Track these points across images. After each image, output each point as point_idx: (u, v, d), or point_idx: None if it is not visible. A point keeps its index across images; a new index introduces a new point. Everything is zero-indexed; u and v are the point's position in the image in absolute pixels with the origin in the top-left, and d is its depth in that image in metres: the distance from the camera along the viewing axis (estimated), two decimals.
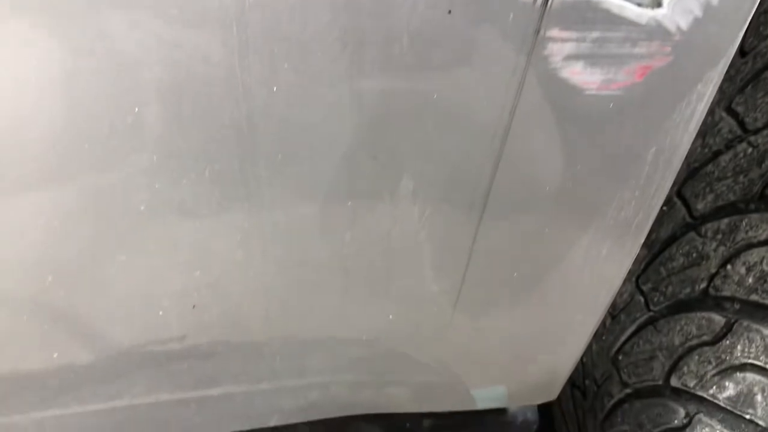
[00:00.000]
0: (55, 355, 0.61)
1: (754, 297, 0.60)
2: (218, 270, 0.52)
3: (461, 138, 0.46)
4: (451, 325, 0.59)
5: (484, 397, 0.68)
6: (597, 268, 0.58)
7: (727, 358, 0.62)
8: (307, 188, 0.47)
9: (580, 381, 0.84)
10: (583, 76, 0.44)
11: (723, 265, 0.63)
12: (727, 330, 0.62)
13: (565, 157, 0.47)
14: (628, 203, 0.51)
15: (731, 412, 0.61)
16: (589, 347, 0.81)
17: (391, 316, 0.58)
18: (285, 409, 0.70)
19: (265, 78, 0.42)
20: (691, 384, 0.65)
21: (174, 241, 0.49)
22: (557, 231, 0.53)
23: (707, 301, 0.64)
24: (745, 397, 0.60)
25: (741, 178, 0.63)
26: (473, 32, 0.41)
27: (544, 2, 0.40)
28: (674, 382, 0.67)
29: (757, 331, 0.60)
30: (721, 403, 0.62)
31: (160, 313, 0.54)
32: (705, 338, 0.64)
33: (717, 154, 0.67)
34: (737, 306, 0.62)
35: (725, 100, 0.68)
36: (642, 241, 0.57)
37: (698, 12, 0.42)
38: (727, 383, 0.62)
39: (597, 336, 0.80)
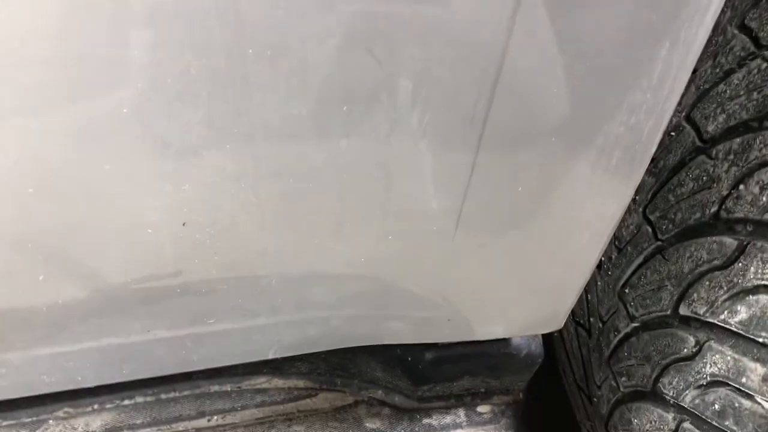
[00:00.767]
0: (46, 290, 0.58)
1: (767, 217, 0.58)
2: (208, 183, 0.49)
3: (460, 45, 0.43)
4: (453, 248, 0.57)
5: (486, 327, 0.66)
6: (599, 193, 0.55)
7: (740, 281, 0.59)
8: (299, 88, 0.44)
9: (584, 319, 0.82)
10: None
11: (735, 186, 0.61)
12: (740, 253, 0.60)
13: (562, 81, 0.45)
14: (638, 108, 0.48)
15: (743, 336, 0.59)
16: (593, 284, 0.79)
17: (390, 237, 0.56)
18: (284, 342, 0.68)
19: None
20: (701, 311, 0.63)
21: (160, 151, 0.46)
22: (560, 147, 0.51)
23: (718, 224, 0.62)
24: (759, 320, 0.58)
25: (755, 95, 0.61)
26: None
27: None
28: (683, 310, 0.65)
29: None
30: (733, 328, 0.60)
31: (149, 231, 0.51)
32: (716, 263, 0.62)
33: (729, 73, 0.64)
34: (750, 227, 0.59)
35: (738, 17, 0.65)
36: (645, 167, 0.55)
37: None
38: (738, 307, 0.60)
39: (602, 271, 0.78)
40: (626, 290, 0.73)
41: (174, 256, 0.58)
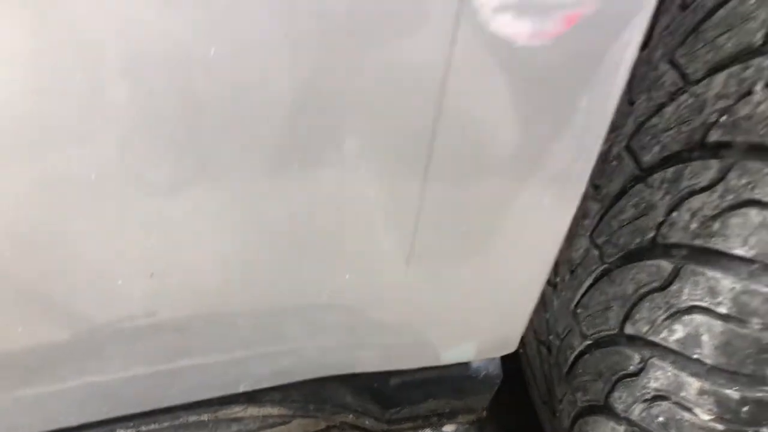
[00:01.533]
0: (24, 333, 0.61)
1: (698, 241, 0.62)
2: (172, 238, 0.53)
3: (399, 92, 0.47)
4: (407, 279, 0.61)
5: (447, 352, 0.70)
6: (542, 217, 0.60)
7: (675, 302, 0.64)
8: (252, 151, 0.48)
9: (545, 337, 0.87)
10: (513, 28, 0.45)
11: (669, 212, 0.65)
12: (675, 275, 0.64)
13: (502, 109, 0.49)
14: (566, 152, 0.53)
15: (681, 354, 0.63)
16: (551, 303, 0.84)
17: (348, 275, 0.59)
18: (258, 374, 0.72)
19: (202, 44, 0.43)
20: (644, 330, 0.67)
21: (126, 209, 0.50)
22: (500, 182, 0.55)
23: (656, 249, 0.67)
24: (693, 339, 0.62)
25: (684, 127, 0.65)
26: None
27: None
28: (628, 329, 0.69)
29: (702, 273, 0.62)
30: (671, 346, 0.64)
31: (119, 282, 0.55)
32: (655, 285, 0.66)
33: (661, 106, 0.69)
34: (683, 252, 0.64)
35: (668, 53, 0.70)
36: (582, 189, 0.59)
37: None
38: (675, 326, 0.64)
39: (557, 291, 0.82)
40: (578, 310, 0.77)
41: (147, 299, 0.61)
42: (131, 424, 0.84)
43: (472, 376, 0.75)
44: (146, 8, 0.40)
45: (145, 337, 0.66)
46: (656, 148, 0.68)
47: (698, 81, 0.65)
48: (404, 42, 0.45)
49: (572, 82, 0.49)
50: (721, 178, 0.61)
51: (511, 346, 0.70)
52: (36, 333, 0.61)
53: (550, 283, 0.83)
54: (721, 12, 0.65)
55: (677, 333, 0.64)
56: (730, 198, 0.60)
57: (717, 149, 0.62)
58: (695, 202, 0.63)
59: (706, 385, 0.63)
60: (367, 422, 0.81)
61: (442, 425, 0.83)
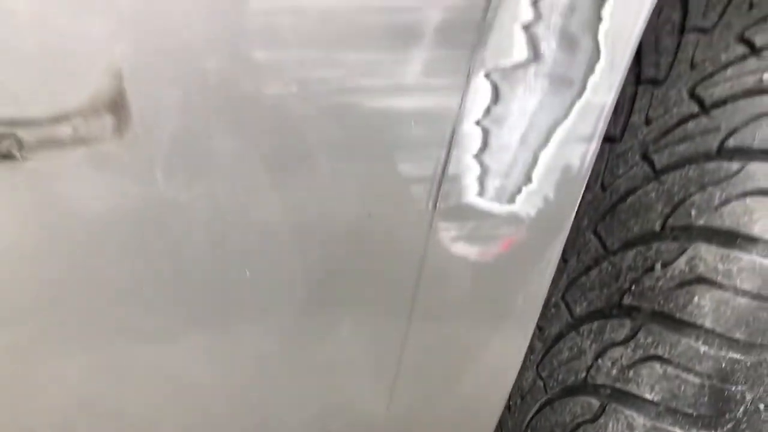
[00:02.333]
0: None
1: (618, 385, 0.78)
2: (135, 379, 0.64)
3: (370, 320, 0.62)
4: (386, 426, 0.75)
5: None
6: (501, 355, 0.74)
7: None
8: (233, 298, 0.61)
9: None
10: (468, 249, 0.61)
11: (596, 358, 0.81)
12: (602, 411, 0.79)
13: (465, 311, 0.65)
14: (518, 308, 0.68)
15: None
16: (506, 423, 0.98)
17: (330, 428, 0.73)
18: None
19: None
20: None
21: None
22: (472, 332, 0.70)
23: (587, 387, 0.82)
24: None
25: (605, 289, 0.82)
26: (383, 236, 0.58)
27: (434, 207, 0.58)
28: None
29: (622, 411, 0.77)
30: None
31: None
32: (587, 417, 0.81)
33: (588, 268, 0.86)
34: (608, 391, 0.80)
35: (592, 225, 0.88)
36: (531, 330, 0.74)
37: (540, 203, 0.60)
38: None
39: (512, 413, 0.97)
40: (528, 431, 0.92)
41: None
42: None
43: None
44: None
45: None
46: (584, 303, 0.85)
47: (615, 252, 0.83)
48: (377, 275, 0.61)
49: (510, 282, 0.65)
50: (633, 335, 0.78)
51: None
52: None
53: (506, 406, 0.98)
54: (631, 198, 0.83)
55: None
56: (640, 352, 0.77)
57: (630, 311, 0.79)
58: (615, 352, 0.79)
59: None
60: None
61: None
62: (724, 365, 0.72)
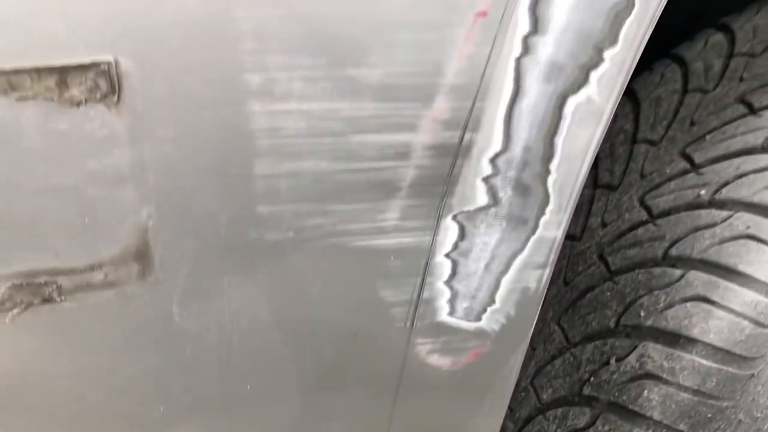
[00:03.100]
0: None
1: None
2: None
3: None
4: None
5: None
6: None
7: None
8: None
9: None
10: (441, 360, 0.70)
11: None
12: None
13: (440, 412, 0.74)
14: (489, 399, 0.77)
15: None
16: None
17: None
18: None
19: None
20: None
21: None
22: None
23: None
24: None
25: (567, 378, 0.91)
26: (367, 352, 0.67)
27: (411, 325, 0.67)
28: None
29: None
30: None
31: None
32: None
33: (553, 357, 0.95)
34: None
35: (556, 317, 0.97)
36: (503, 413, 0.82)
37: (502, 319, 0.70)
38: None
39: None
40: None
41: None
42: None
43: None
44: None
45: None
46: (550, 390, 0.94)
47: (576, 345, 0.92)
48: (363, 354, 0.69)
49: (477, 394, 0.74)
50: (592, 423, 0.87)
51: None
52: None
53: None
54: (590, 295, 0.93)
55: None
56: None
57: (589, 400, 0.88)
58: None
59: None
60: None
61: None
62: None
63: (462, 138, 0.61)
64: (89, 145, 0.53)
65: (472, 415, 0.74)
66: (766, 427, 0.78)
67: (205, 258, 0.59)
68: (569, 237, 1.00)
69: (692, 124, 0.96)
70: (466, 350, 0.70)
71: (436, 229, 0.64)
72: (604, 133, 0.64)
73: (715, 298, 0.78)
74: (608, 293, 0.90)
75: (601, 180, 1.01)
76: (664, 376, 0.80)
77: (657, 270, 0.86)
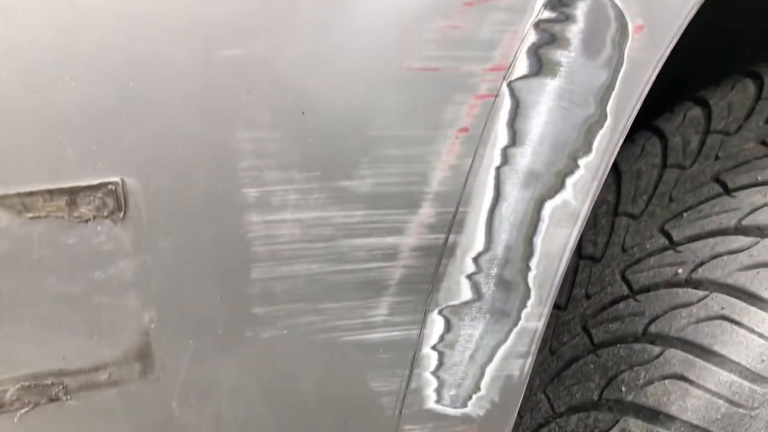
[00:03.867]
0: None
1: None
2: None
3: None
4: None
5: None
6: None
7: None
8: None
9: None
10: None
11: None
12: None
13: None
14: None
15: None
16: None
17: None
18: None
19: None
20: None
21: None
22: None
23: None
24: None
25: None
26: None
27: (400, 413, 0.71)
28: None
29: None
30: None
31: None
32: None
33: (540, 426, 0.98)
34: None
35: (542, 385, 1.00)
36: None
37: (487, 405, 0.73)
38: None
39: None
40: None
41: None
42: None
43: None
44: None
45: None
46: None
47: (561, 415, 0.95)
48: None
49: None
50: None
51: None
52: None
53: None
54: (574, 366, 0.97)
55: None
56: None
57: None
58: None
59: None
60: None
61: None
62: None
63: (447, 240, 0.65)
64: (96, 256, 0.57)
65: None
66: None
67: (203, 356, 0.62)
68: (555, 306, 1.03)
69: (671, 200, 1.00)
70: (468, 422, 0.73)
71: (423, 323, 0.67)
72: (581, 231, 0.68)
73: (691, 376, 0.81)
74: (591, 365, 0.94)
75: (585, 251, 1.05)
76: None
77: (637, 346, 0.89)
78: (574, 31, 0.61)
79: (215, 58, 0.55)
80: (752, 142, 0.99)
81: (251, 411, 0.65)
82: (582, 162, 0.65)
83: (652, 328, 0.88)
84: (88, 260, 0.57)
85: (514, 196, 0.65)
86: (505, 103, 0.62)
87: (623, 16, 0.62)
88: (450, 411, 0.72)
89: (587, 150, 0.65)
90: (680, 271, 0.90)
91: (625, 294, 0.95)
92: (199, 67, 0.55)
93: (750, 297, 0.82)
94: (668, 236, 0.95)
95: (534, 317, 0.70)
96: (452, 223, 0.64)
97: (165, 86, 0.55)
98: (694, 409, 0.81)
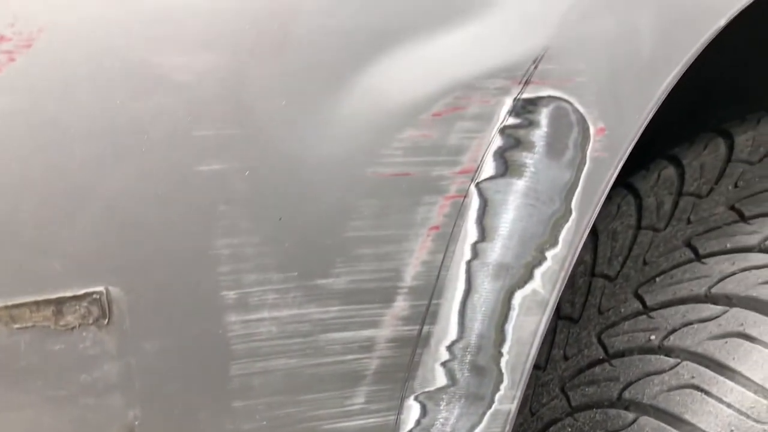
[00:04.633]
0: None
1: None
2: None
3: None
4: None
5: None
6: None
7: None
8: None
9: None
10: None
11: None
12: None
13: None
14: None
15: None
16: None
17: None
18: None
19: None
20: None
21: None
22: None
23: None
24: None
25: None
26: None
27: None
28: None
29: None
30: None
31: None
32: None
33: None
34: None
35: None
36: None
37: None
38: None
39: None
40: None
41: None
42: None
43: None
44: None
45: None
46: None
47: None
48: None
49: None
50: None
51: None
52: None
53: None
54: (553, 428, 0.99)
55: None
56: None
57: None
58: None
59: None
60: None
61: None
62: None
63: (421, 330, 0.68)
64: (82, 361, 0.59)
65: None
66: None
67: None
68: (535, 367, 1.06)
69: (645, 263, 1.03)
70: None
71: (399, 409, 0.70)
72: (551, 318, 0.71)
73: None
74: (569, 429, 0.96)
75: (563, 311, 1.08)
76: None
77: (612, 411, 0.92)
78: (538, 135, 0.64)
79: (194, 173, 0.58)
80: (722, 206, 1.02)
81: None
82: (549, 254, 0.68)
83: (627, 394, 0.91)
84: (74, 365, 0.59)
85: (485, 288, 0.67)
86: (474, 203, 0.65)
87: (585, 120, 0.65)
88: None
89: (554, 243, 0.67)
90: (653, 337, 0.92)
91: (601, 358, 0.97)
92: (180, 181, 0.58)
93: (719, 366, 0.85)
94: (642, 301, 0.98)
95: (507, 400, 0.72)
96: (426, 314, 0.67)
97: (147, 200, 0.58)
98: None
